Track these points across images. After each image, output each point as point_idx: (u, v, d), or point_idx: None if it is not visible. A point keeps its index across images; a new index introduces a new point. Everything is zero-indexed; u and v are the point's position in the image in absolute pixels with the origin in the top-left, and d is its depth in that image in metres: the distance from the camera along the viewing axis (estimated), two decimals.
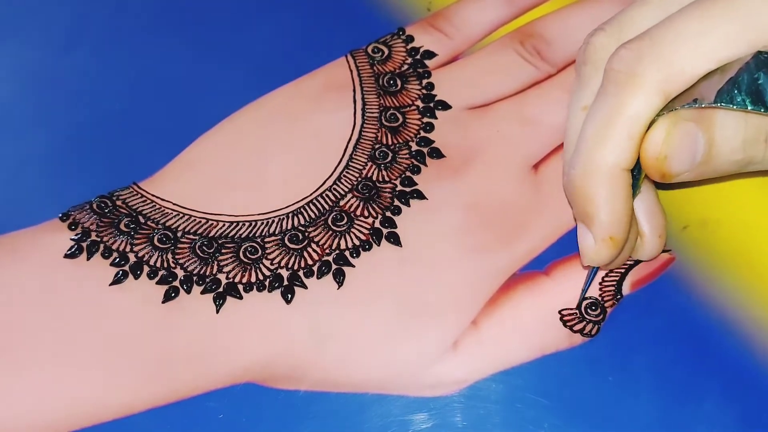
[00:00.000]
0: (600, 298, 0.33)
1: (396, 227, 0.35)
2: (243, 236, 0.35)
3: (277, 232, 0.35)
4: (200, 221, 0.35)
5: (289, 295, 0.33)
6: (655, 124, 0.29)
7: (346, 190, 0.35)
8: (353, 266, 0.34)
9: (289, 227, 0.35)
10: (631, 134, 0.29)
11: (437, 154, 0.36)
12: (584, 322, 0.32)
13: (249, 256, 0.34)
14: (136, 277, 0.34)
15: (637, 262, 0.33)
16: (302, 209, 0.35)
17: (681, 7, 0.29)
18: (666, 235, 0.33)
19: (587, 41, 0.32)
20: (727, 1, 0.28)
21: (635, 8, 0.31)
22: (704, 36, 0.28)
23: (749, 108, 0.28)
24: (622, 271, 0.33)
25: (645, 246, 0.32)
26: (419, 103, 0.38)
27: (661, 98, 0.29)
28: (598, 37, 0.32)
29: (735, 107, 0.28)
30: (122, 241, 0.34)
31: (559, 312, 0.33)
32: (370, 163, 0.36)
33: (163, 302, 0.33)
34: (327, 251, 0.34)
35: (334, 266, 0.34)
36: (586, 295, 0.33)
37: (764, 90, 0.28)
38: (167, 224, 0.35)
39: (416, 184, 0.36)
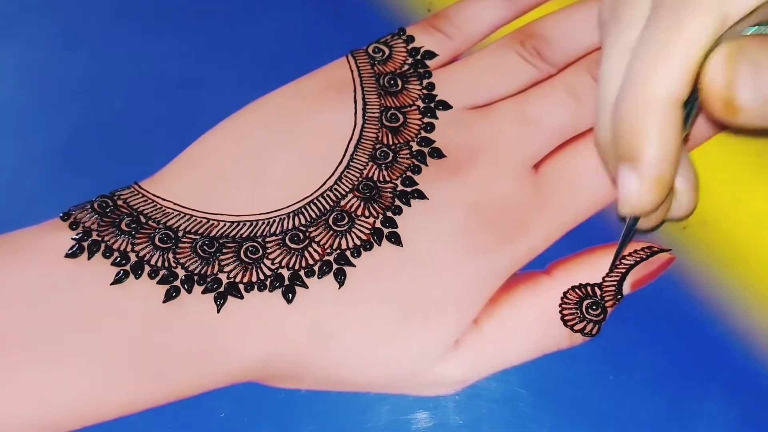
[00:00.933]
0: (600, 298, 0.33)
1: (397, 227, 0.35)
2: (244, 236, 0.35)
3: (278, 232, 0.35)
4: (201, 221, 0.35)
5: (290, 295, 0.33)
6: (716, 49, 0.27)
7: (347, 190, 0.36)
8: (354, 266, 0.34)
9: (290, 227, 0.35)
10: (688, 62, 0.27)
11: (438, 154, 0.36)
12: (585, 322, 0.33)
13: (250, 255, 0.34)
14: (137, 276, 0.34)
15: (637, 262, 0.33)
16: (303, 209, 0.35)
17: None
18: (698, 189, 0.31)
19: None
20: None
21: None
22: None
23: None
24: (623, 271, 0.33)
25: (681, 201, 0.31)
26: (420, 103, 0.38)
27: (720, 22, 0.27)
28: None
29: None
30: (123, 240, 0.34)
31: (565, 299, 0.33)
32: (370, 163, 0.36)
33: (164, 302, 0.33)
34: (328, 251, 0.34)
35: (335, 266, 0.34)
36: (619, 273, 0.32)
37: None
38: (168, 224, 0.35)
39: (417, 184, 0.36)
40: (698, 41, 0.27)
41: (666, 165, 0.28)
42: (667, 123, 0.28)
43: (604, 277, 0.33)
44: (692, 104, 0.28)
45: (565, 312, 0.33)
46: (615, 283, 0.33)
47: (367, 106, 0.38)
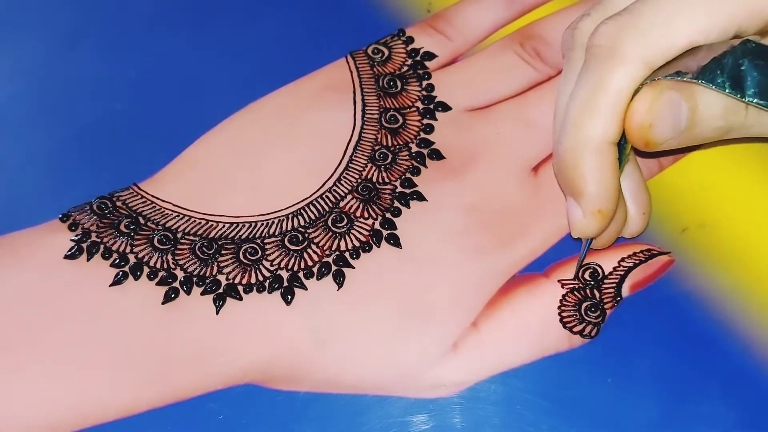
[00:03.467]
0: (599, 300, 0.33)
1: (396, 229, 0.35)
2: (243, 237, 0.35)
3: (277, 234, 0.35)
4: (200, 222, 0.35)
5: (289, 296, 0.33)
6: (639, 94, 0.30)
7: (346, 191, 0.36)
8: (353, 267, 0.34)
9: (289, 228, 0.35)
10: (615, 107, 0.30)
11: (437, 155, 0.36)
12: (584, 324, 0.33)
13: (249, 257, 0.34)
14: (136, 278, 0.34)
15: (636, 264, 0.33)
16: (302, 210, 0.35)
17: None
18: (650, 213, 0.34)
19: (573, 26, 0.33)
20: None
21: None
22: (684, 8, 0.29)
23: (727, 91, 0.29)
24: (622, 273, 0.33)
25: (629, 223, 0.33)
26: (419, 104, 0.38)
27: (643, 70, 0.29)
28: (584, 22, 0.32)
29: (714, 87, 0.29)
30: (122, 242, 0.34)
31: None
32: (370, 165, 0.36)
33: (163, 303, 0.33)
34: (327, 252, 0.34)
35: (334, 267, 0.34)
36: (586, 274, 0.33)
37: (745, 77, 0.28)
38: (167, 225, 0.35)
39: (416, 185, 0.36)
40: (624, 89, 0.30)
41: (605, 199, 0.31)
42: (601, 163, 0.30)
43: (563, 283, 0.33)
44: (625, 139, 0.31)
45: (564, 314, 0.33)
46: (614, 285, 0.33)
47: (367, 108, 0.38)
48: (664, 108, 0.29)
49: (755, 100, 0.29)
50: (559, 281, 0.33)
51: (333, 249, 0.34)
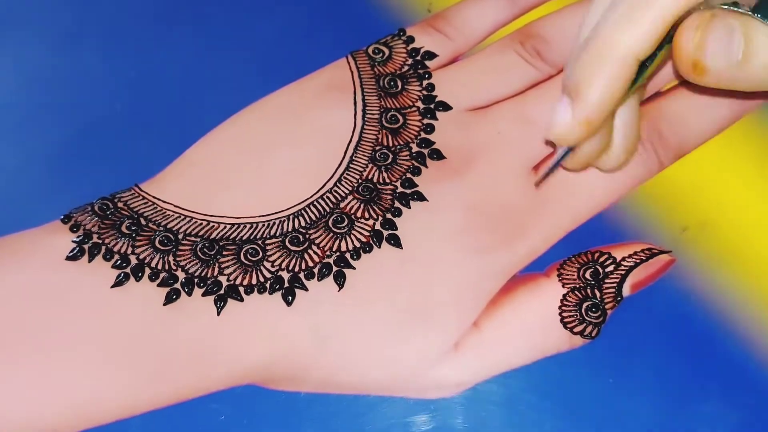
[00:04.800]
0: (600, 300, 0.33)
1: (396, 229, 0.35)
2: (244, 238, 0.35)
3: (277, 234, 0.35)
4: (201, 223, 0.35)
5: (290, 297, 0.33)
6: (692, 15, 0.29)
7: (347, 191, 0.36)
8: (354, 268, 0.34)
9: (289, 229, 0.35)
10: (655, 22, 0.29)
11: (438, 155, 0.36)
12: (584, 324, 0.33)
13: (250, 258, 0.34)
14: (138, 279, 0.34)
15: (637, 264, 0.33)
16: (303, 211, 0.35)
17: None
18: (633, 153, 0.33)
19: None
20: None
21: None
22: None
23: None
24: (623, 273, 0.33)
25: (610, 155, 0.33)
26: (420, 104, 0.38)
27: None
28: None
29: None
30: (124, 243, 0.34)
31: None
32: (370, 165, 0.36)
33: (164, 304, 0.33)
34: (327, 253, 0.34)
35: (334, 268, 0.34)
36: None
37: None
38: (168, 226, 0.35)
39: (417, 185, 0.36)
40: (671, 7, 0.29)
41: (599, 111, 0.30)
42: (617, 75, 0.30)
43: (603, 280, 0.33)
44: (650, 62, 0.30)
45: (564, 314, 0.33)
46: (615, 285, 0.33)
47: (367, 108, 0.38)
48: (718, 31, 0.28)
49: None
50: (559, 278, 0.33)
51: (334, 250, 0.34)
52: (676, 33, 0.29)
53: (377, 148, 0.37)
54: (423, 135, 0.37)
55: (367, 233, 0.35)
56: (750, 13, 0.28)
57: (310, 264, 0.34)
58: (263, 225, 0.35)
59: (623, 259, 0.34)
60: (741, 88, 0.30)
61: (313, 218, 0.35)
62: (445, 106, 0.38)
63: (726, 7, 0.28)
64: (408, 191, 0.35)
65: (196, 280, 0.34)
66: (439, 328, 0.33)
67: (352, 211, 0.35)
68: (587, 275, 0.33)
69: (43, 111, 0.39)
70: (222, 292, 0.33)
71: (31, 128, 0.38)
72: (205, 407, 0.32)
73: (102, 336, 0.33)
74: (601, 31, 0.30)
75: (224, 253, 0.34)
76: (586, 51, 0.30)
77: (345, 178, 0.36)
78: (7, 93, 0.39)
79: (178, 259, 0.34)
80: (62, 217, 0.35)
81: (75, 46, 0.40)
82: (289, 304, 0.33)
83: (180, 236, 0.35)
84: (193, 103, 0.38)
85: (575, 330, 0.32)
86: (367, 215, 0.35)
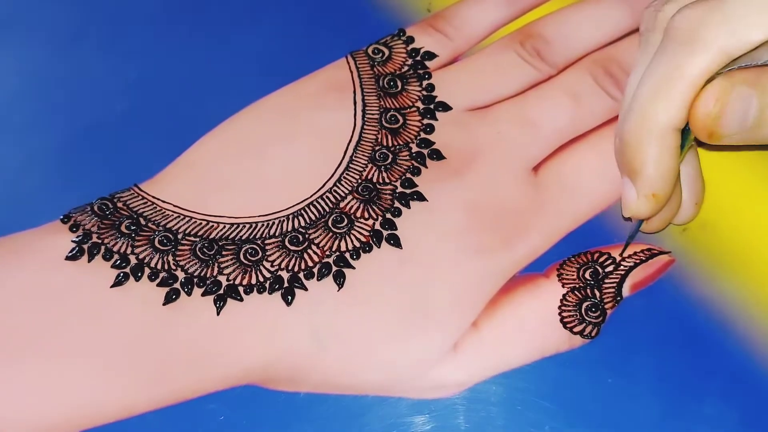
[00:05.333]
0: (600, 300, 0.33)
1: (396, 229, 0.35)
2: (243, 238, 0.35)
3: (277, 234, 0.35)
4: (201, 223, 0.35)
5: (290, 297, 0.33)
6: (710, 83, 0.29)
7: (347, 191, 0.36)
8: (353, 268, 0.34)
9: (289, 229, 0.35)
10: (687, 94, 0.30)
11: (437, 155, 0.36)
12: (584, 324, 0.33)
13: (249, 257, 0.34)
14: (137, 279, 0.34)
15: (637, 264, 0.33)
16: (302, 211, 0.35)
17: None
18: (702, 203, 0.34)
19: (658, 8, 0.32)
20: None
21: None
22: None
23: None
24: (622, 273, 0.33)
25: (682, 211, 0.34)
26: (419, 104, 0.38)
27: (721, 59, 0.29)
28: (670, 5, 0.32)
29: None
30: (123, 243, 0.34)
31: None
32: (370, 165, 0.36)
33: (163, 304, 0.33)
34: (327, 253, 0.34)
35: (334, 268, 0.34)
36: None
37: None
38: (168, 226, 0.35)
39: (416, 185, 0.36)
40: (698, 76, 0.30)
41: (661, 184, 0.31)
42: (663, 147, 0.31)
43: (602, 280, 0.33)
44: (689, 129, 0.31)
45: (564, 314, 0.33)
46: (614, 285, 0.33)
47: (367, 108, 0.38)
48: (735, 101, 0.29)
49: None
50: (559, 278, 0.33)
51: (333, 249, 0.34)
52: (694, 105, 0.30)
53: (377, 148, 0.37)
54: (423, 135, 0.37)
55: (366, 233, 0.35)
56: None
57: (310, 264, 0.34)
58: (263, 225, 0.35)
59: (623, 259, 0.34)
60: (753, 143, 0.31)
61: (313, 218, 0.35)
62: (445, 107, 0.38)
63: (744, 65, 0.29)
64: (408, 191, 0.35)
65: (195, 279, 0.34)
66: (439, 328, 0.33)
67: (352, 211, 0.35)
68: (587, 275, 0.33)
69: (43, 111, 0.39)
70: (221, 291, 0.33)
71: (32, 128, 0.38)
72: (204, 407, 0.32)
73: (101, 336, 0.33)
74: (636, 108, 0.31)
75: (224, 252, 0.34)
76: (626, 128, 0.31)
77: (345, 178, 0.36)
78: (8, 93, 0.39)
79: (177, 258, 0.34)
80: (62, 217, 0.35)
81: (76, 46, 0.40)
82: (288, 303, 0.33)
83: (179, 236, 0.35)
84: (192, 104, 0.38)
85: (575, 330, 0.32)
86: (366, 215, 0.35)
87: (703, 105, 0.30)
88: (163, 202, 0.36)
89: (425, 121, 0.37)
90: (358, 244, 0.34)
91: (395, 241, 0.34)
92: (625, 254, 0.33)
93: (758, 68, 0.29)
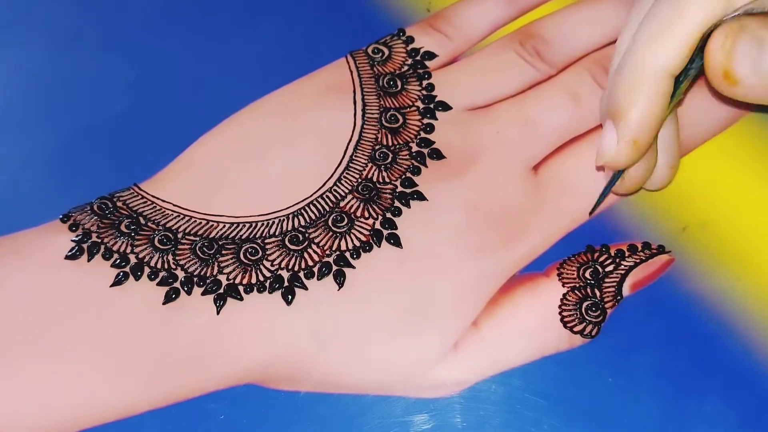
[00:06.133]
0: (600, 299, 0.33)
1: (396, 228, 0.35)
2: (243, 237, 0.35)
3: (277, 233, 0.35)
4: (201, 222, 0.35)
5: (290, 296, 0.33)
6: (722, 26, 0.29)
7: (347, 191, 0.36)
8: (353, 267, 0.34)
9: (289, 228, 0.35)
10: (687, 38, 0.30)
11: (437, 155, 0.36)
12: (584, 323, 0.33)
13: (249, 257, 0.34)
14: (137, 278, 0.34)
15: (637, 263, 0.33)
16: (302, 210, 0.35)
17: None
18: (677, 169, 0.34)
19: None
20: None
21: None
22: None
23: None
24: (622, 272, 0.33)
25: (655, 174, 0.33)
26: (419, 104, 0.38)
27: (722, 5, 0.29)
28: None
29: None
30: (123, 242, 0.34)
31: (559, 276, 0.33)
32: (370, 164, 0.36)
33: (163, 303, 0.33)
34: (327, 252, 0.34)
35: (334, 267, 0.34)
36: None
37: None
38: (168, 225, 0.35)
39: (416, 185, 0.36)
40: (698, 22, 0.29)
41: (645, 130, 0.31)
42: (654, 92, 0.30)
43: (603, 280, 0.33)
44: (684, 77, 0.31)
45: (564, 313, 0.33)
46: (614, 284, 0.33)
47: (367, 107, 0.38)
48: (747, 39, 0.29)
49: None
50: (559, 278, 0.33)
51: (333, 249, 0.34)
52: (708, 41, 0.29)
53: (377, 147, 0.37)
54: (423, 135, 0.37)
55: (366, 232, 0.35)
56: None
57: (310, 263, 0.34)
58: (263, 224, 0.35)
59: (623, 258, 0.34)
60: None
61: (313, 217, 0.35)
62: (445, 106, 0.38)
63: (750, 10, 0.29)
64: (408, 191, 0.35)
65: (195, 279, 0.34)
66: (439, 327, 0.33)
67: (352, 210, 0.35)
68: (587, 275, 0.33)
69: (43, 111, 0.39)
70: (221, 291, 0.33)
71: (32, 128, 0.38)
72: (205, 407, 0.32)
73: (101, 335, 0.33)
74: (634, 52, 0.30)
75: (223, 252, 0.34)
76: (621, 72, 0.31)
77: (345, 177, 0.36)
78: (8, 93, 0.39)
79: (177, 258, 0.34)
80: (61, 216, 0.35)
81: (75, 46, 0.40)
82: (288, 303, 0.33)
83: (179, 235, 0.35)
84: (192, 103, 0.38)
85: (575, 329, 0.32)
86: (366, 214, 0.35)
87: (715, 41, 0.29)
88: (163, 201, 0.36)
89: (425, 121, 0.37)
90: (358, 244, 0.34)
91: (395, 241, 0.34)
92: (595, 214, 0.33)
93: (762, 15, 0.29)
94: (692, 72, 0.31)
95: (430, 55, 0.39)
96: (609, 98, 0.32)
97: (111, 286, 0.34)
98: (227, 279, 0.34)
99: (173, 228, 0.35)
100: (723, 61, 0.29)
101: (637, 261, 0.34)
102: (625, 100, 0.31)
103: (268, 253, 0.34)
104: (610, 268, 0.33)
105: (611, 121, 0.32)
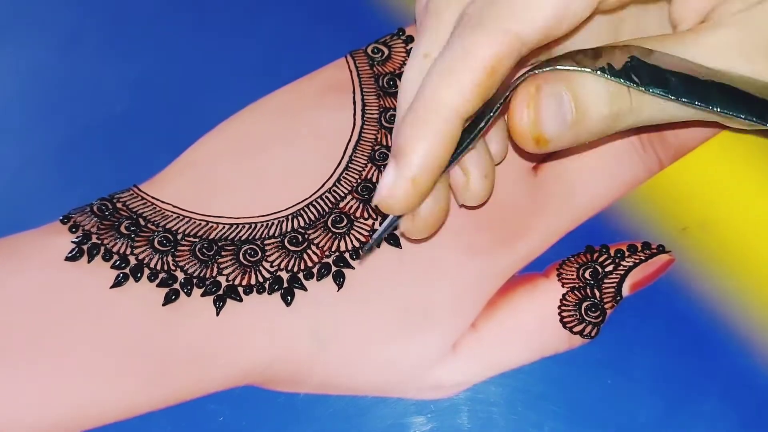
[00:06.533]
0: (599, 300, 0.33)
1: (396, 228, 0.35)
2: (243, 238, 0.35)
3: (276, 235, 0.35)
4: (200, 223, 0.35)
5: (289, 298, 0.33)
6: (519, 92, 0.29)
7: (346, 191, 0.35)
8: (353, 268, 0.34)
9: (288, 229, 0.35)
10: (476, 77, 0.28)
11: None
12: (584, 324, 0.32)
13: (249, 258, 0.34)
14: (137, 279, 0.34)
15: (636, 264, 0.33)
16: (302, 211, 0.35)
17: None
18: (493, 176, 0.32)
19: None
20: None
21: None
22: None
23: (622, 81, 0.28)
24: (622, 273, 0.33)
25: (470, 186, 0.32)
26: None
27: (512, 42, 0.28)
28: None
29: (597, 72, 0.28)
30: (123, 243, 0.35)
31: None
32: (369, 165, 0.36)
33: (163, 305, 0.33)
34: (327, 253, 0.34)
35: (333, 268, 0.34)
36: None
37: (636, 71, 0.29)
38: (167, 227, 0.35)
39: None
40: (487, 58, 0.28)
41: (426, 172, 0.29)
42: (441, 133, 0.29)
43: (603, 280, 0.33)
44: (479, 125, 0.30)
45: (564, 314, 0.33)
46: (614, 284, 0.33)
47: (366, 107, 0.37)
48: (547, 99, 0.29)
49: (650, 89, 0.28)
50: (558, 278, 0.33)
51: (333, 250, 0.34)
52: (509, 114, 0.29)
53: (376, 147, 0.37)
54: None
55: (366, 233, 0.35)
56: (579, 69, 0.28)
57: (309, 264, 0.34)
58: (262, 225, 0.35)
59: (623, 258, 0.33)
60: (586, 140, 0.30)
61: (312, 218, 0.35)
62: None
63: (549, 69, 0.29)
64: None
65: (195, 280, 0.34)
66: (438, 329, 0.33)
67: (352, 211, 0.35)
68: (587, 275, 0.33)
69: (43, 111, 0.39)
70: (221, 292, 0.33)
71: (32, 128, 0.38)
72: (204, 408, 0.32)
73: (101, 336, 0.33)
74: (425, 88, 0.29)
75: (223, 253, 0.34)
76: (411, 108, 0.29)
77: (344, 177, 0.36)
78: (8, 93, 0.39)
79: (177, 259, 0.34)
80: (61, 217, 0.35)
81: (76, 46, 0.40)
82: (288, 304, 0.33)
83: (179, 236, 0.35)
84: (192, 104, 0.38)
85: (575, 330, 0.32)
86: (366, 215, 0.35)
87: (517, 111, 0.29)
88: (163, 202, 0.36)
89: None
90: (357, 244, 0.34)
91: (395, 241, 0.34)
92: (362, 262, 0.32)
93: (561, 71, 0.29)
94: (483, 125, 0.30)
95: None
96: (394, 135, 0.30)
97: (111, 287, 0.34)
98: (227, 280, 0.34)
99: (173, 229, 0.35)
100: (530, 130, 0.29)
101: (637, 261, 0.33)
102: (410, 139, 0.29)
103: (267, 254, 0.34)
104: (610, 268, 0.33)
105: (392, 160, 0.30)
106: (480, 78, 0.28)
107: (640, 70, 0.29)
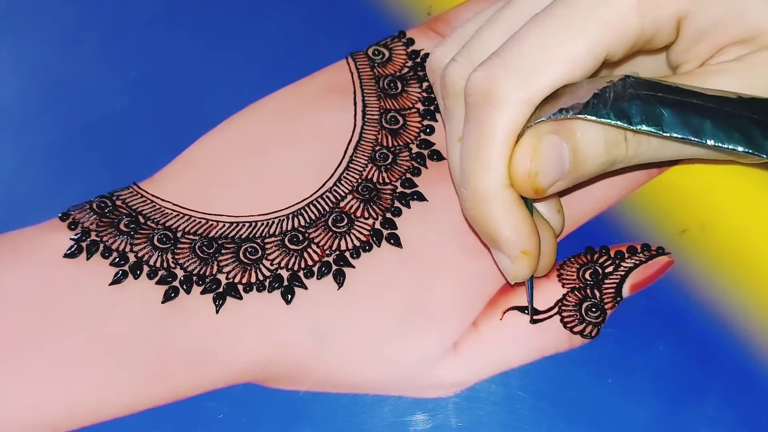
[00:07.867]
0: (600, 300, 0.33)
1: (396, 228, 0.35)
2: (243, 237, 0.35)
3: (277, 233, 0.35)
4: (200, 221, 0.35)
5: (289, 296, 0.33)
6: (519, 141, 0.29)
7: (347, 191, 0.36)
8: (353, 267, 0.34)
9: (289, 228, 0.35)
10: (503, 153, 0.29)
11: (438, 156, 0.36)
12: (584, 324, 0.33)
13: (249, 256, 0.34)
14: (136, 277, 0.34)
15: (636, 265, 0.33)
16: (303, 210, 0.35)
17: (523, 23, 0.30)
18: (563, 210, 0.33)
19: (443, 75, 0.32)
20: (566, 5, 0.29)
21: (482, 32, 0.32)
22: (549, 41, 0.29)
23: (613, 122, 0.29)
24: (622, 273, 0.33)
25: (551, 222, 0.33)
26: (419, 105, 0.38)
27: (523, 109, 0.29)
28: (452, 69, 0.32)
29: (599, 119, 0.29)
30: (122, 240, 0.34)
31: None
32: (370, 165, 0.36)
33: (162, 302, 0.33)
34: (327, 252, 0.34)
35: (334, 267, 0.34)
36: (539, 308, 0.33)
37: (629, 107, 0.29)
38: (167, 224, 0.35)
39: (416, 185, 0.36)
40: (507, 132, 0.29)
41: (524, 240, 0.31)
42: (507, 207, 0.30)
43: (603, 281, 0.33)
44: None
45: (564, 314, 0.33)
46: (614, 285, 0.33)
47: (367, 108, 0.38)
48: (547, 152, 0.29)
49: (643, 127, 0.28)
50: (559, 278, 0.33)
51: (333, 248, 0.34)
52: (510, 168, 0.30)
53: (377, 148, 0.37)
54: (423, 136, 0.37)
55: (366, 232, 0.35)
56: (578, 115, 0.29)
57: (310, 263, 0.34)
58: (262, 224, 0.35)
59: (623, 260, 0.34)
60: (579, 181, 0.31)
61: (313, 217, 0.35)
62: None
63: (552, 117, 0.29)
64: (408, 191, 0.35)
65: (194, 278, 0.34)
66: (438, 328, 0.33)
67: (352, 211, 0.35)
68: (587, 275, 0.33)
69: (42, 110, 0.39)
70: (221, 290, 0.33)
71: (31, 127, 0.38)
72: (204, 405, 0.32)
73: (100, 333, 0.33)
74: (464, 179, 0.30)
75: (223, 251, 0.34)
76: (465, 202, 0.31)
77: (345, 177, 0.36)
78: (8, 93, 0.39)
79: (176, 257, 0.34)
80: (60, 214, 0.35)
81: (75, 46, 0.41)
82: (288, 302, 0.33)
83: (179, 234, 0.35)
84: (192, 103, 0.38)
85: (575, 330, 0.32)
86: (366, 215, 0.35)
87: (519, 166, 0.29)
88: (163, 200, 0.36)
89: (425, 123, 0.37)
90: (358, 244, 0.34)
91: (395, 241, 0.34)
92: (535, 316, 0.33)
93: (561, 120, 0.29)
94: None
95: None
96: (475, 229, 0.32)
97: (110, 284, 0.34)
98: (227, 278, 0.34)
99: (172, 227, 0.35)
100: (532, 182, 0.29)
101: (637, 262, 0.34)
102: (489, 227, 0.30)
103: (267, 252, 0.34)
104: (610, 269, 0.33)
105: (493, 248, 0.31)
106: (505, 152, 0.29)
107: (633, 104, 0.29)
